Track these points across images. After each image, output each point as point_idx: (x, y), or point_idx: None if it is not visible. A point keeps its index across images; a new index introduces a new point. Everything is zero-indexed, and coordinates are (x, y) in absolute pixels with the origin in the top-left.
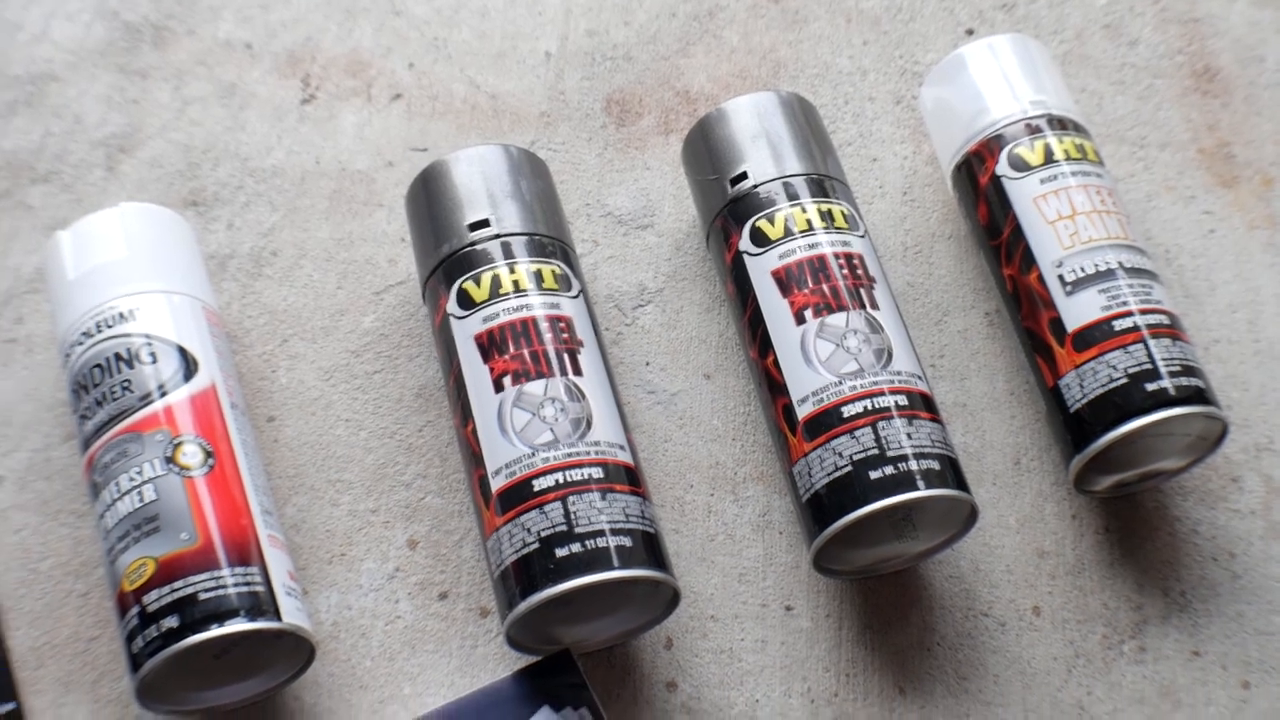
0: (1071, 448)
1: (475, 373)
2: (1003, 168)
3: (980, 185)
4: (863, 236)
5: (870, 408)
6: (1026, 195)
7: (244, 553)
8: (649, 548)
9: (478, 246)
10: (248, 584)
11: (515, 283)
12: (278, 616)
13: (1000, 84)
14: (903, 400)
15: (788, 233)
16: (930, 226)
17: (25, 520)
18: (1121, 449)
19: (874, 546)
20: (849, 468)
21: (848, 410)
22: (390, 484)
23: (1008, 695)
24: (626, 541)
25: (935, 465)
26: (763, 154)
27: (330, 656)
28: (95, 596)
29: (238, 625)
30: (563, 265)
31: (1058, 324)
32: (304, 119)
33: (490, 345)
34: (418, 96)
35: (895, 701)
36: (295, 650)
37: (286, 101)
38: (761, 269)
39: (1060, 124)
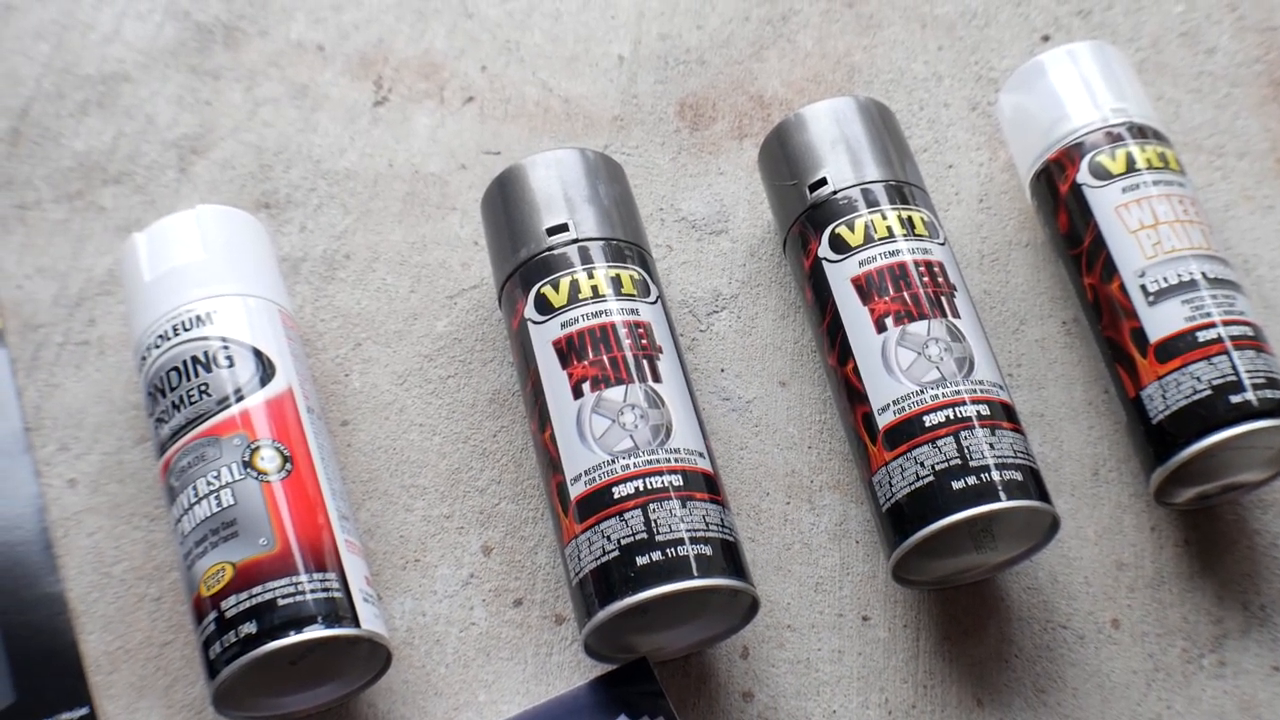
0: (1153, 460)
1: (554, 378)
2: (1084, 176)
3: (1060, 193)
4: (943, 244)
5: (952, 417)
6: (1108, 204)
7: (321, 558)
8: (728, 556)
9: (556, 251)
10: (325, 590)
11: (594, 288)
12: (356, 623)
13: (1080, 91)
14: (985, 410)
15: (868, 239)
16: (1006, 234)
17: (98, 524)
18: (1203, 461)
19: (952, 557)
20: (931, 477)
21: (930, 419)
22: (464, 490)
23: (1086, 709)
24: (706, 550)
25: (1017, 476)
26: (842, 160)
27: (405, 663)
28: (168, 601)
29: (316, 631)
30: (640, 270)
31: (1140, 334)
32: (376, 121)
33: (569, 351)
34: (490, 99)
35: (973, 714)
36: (371, 657)
37: (359, 103)
38: (841, 276)
39: (1141, 132)
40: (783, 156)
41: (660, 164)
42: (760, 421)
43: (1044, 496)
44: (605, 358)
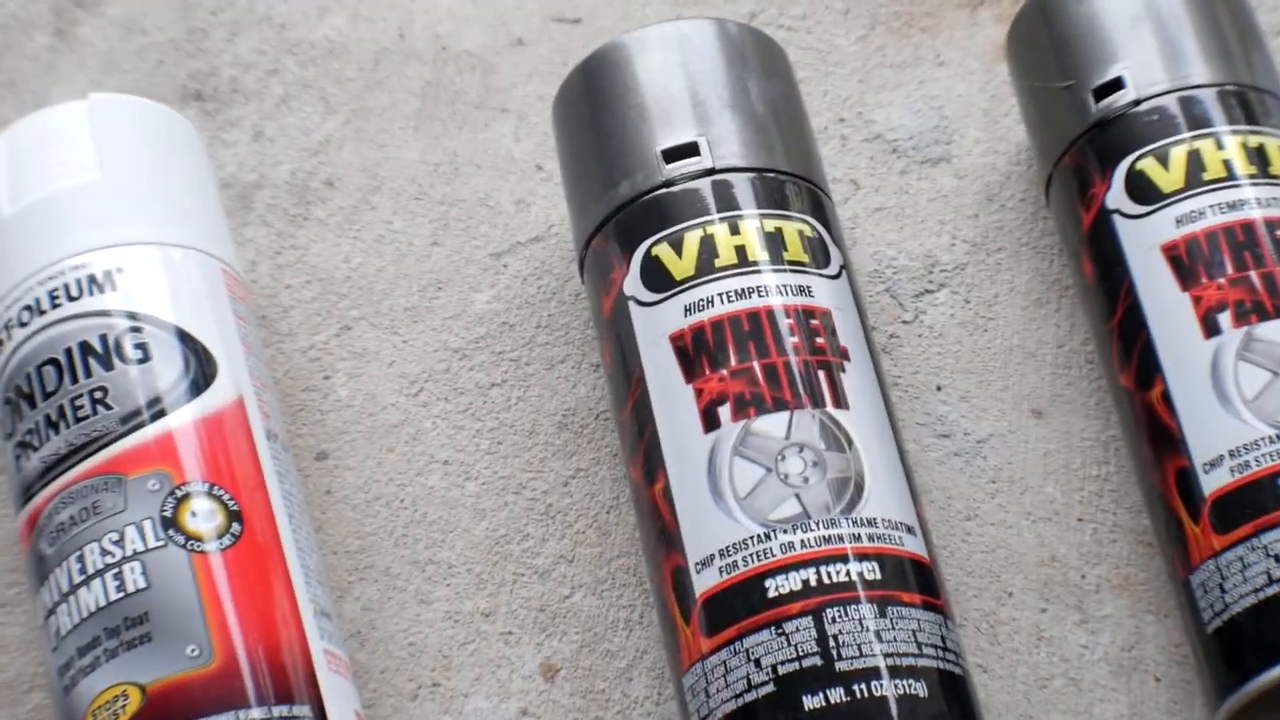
0: None
1: (671, 396)
2: None
3: None
4: None
5: None
6: None
7: (285, 680)
8: (952, 698)
9: (678, 188)
10: None
11: (740, 249)
12: None
13: None
14: None
15: (1192, 182)
16: None
17: None
18: None
19: None
20: None
21: None
22: (516, 570)
23: None
24: (918, 688)
25: None
26: (1149, 48)
27: None
28: None
29: None
30: (816, 224)
31: None
32: None
33: (698, 352)
34: None
35: None
36: None
37: None
38: (1145, 241)
39: None
40: (1048, 40)
41: (843, 45)
42: (1000, 474)
43: None
44: (757, 365)
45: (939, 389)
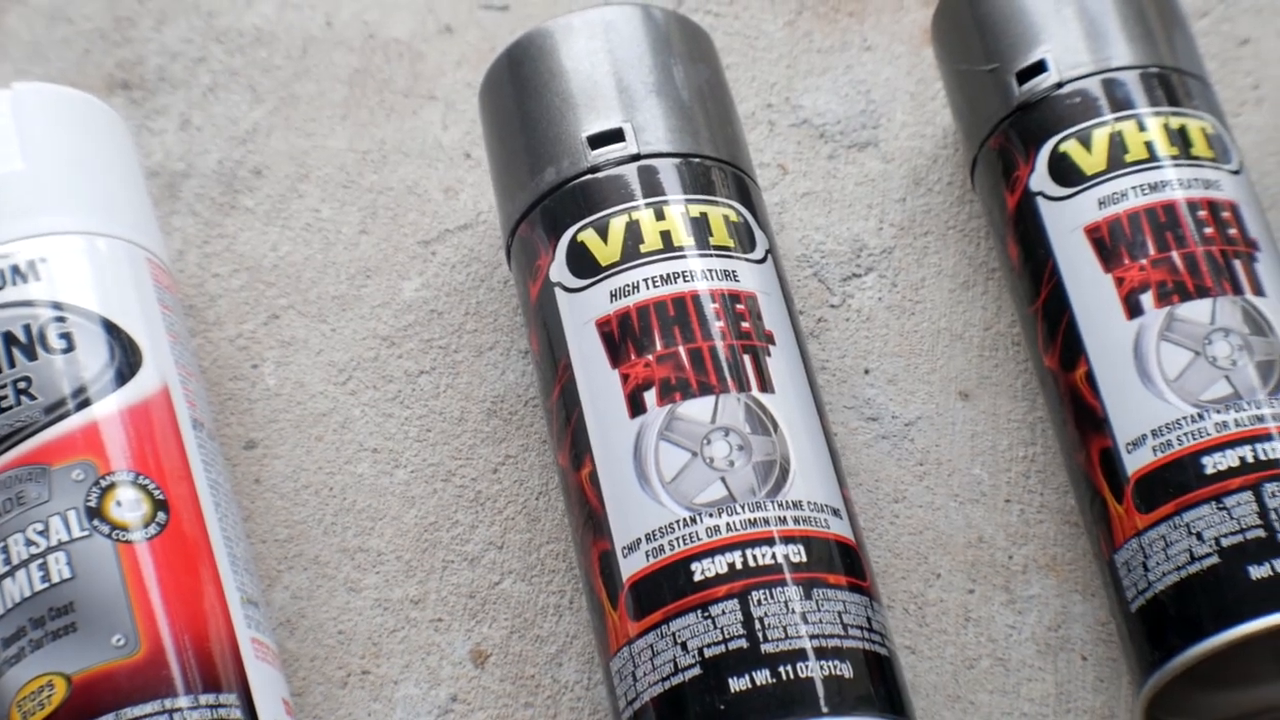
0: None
1: (597, 382)
2: None
3: None
4: (1237, 172)
5: (1252, 459)
6: None
7: (213, 669)
8: (878, 678)
9: (603, 174)
10: None
11: (665, 235)
12: None
13: None
14: None
15: (1114, 164)
16: None
17: None
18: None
19: (1245, 688)
20: (1214, 558)
21: (1213, 462)
22: (445, 557)
23: None
24: (843, 669)
25: None
26: (1072, 31)
27: None
28: None
29: None
30: (742, 208)
31: None
32: None
33: (624, 337)
34: None
35: None
36: None
37: None
38: (1069, 223)
39: None
40: (973, 22)
41: (771, 31)
42: (928, 457)
43: None
44: (683, 350)
45: (867, 372)
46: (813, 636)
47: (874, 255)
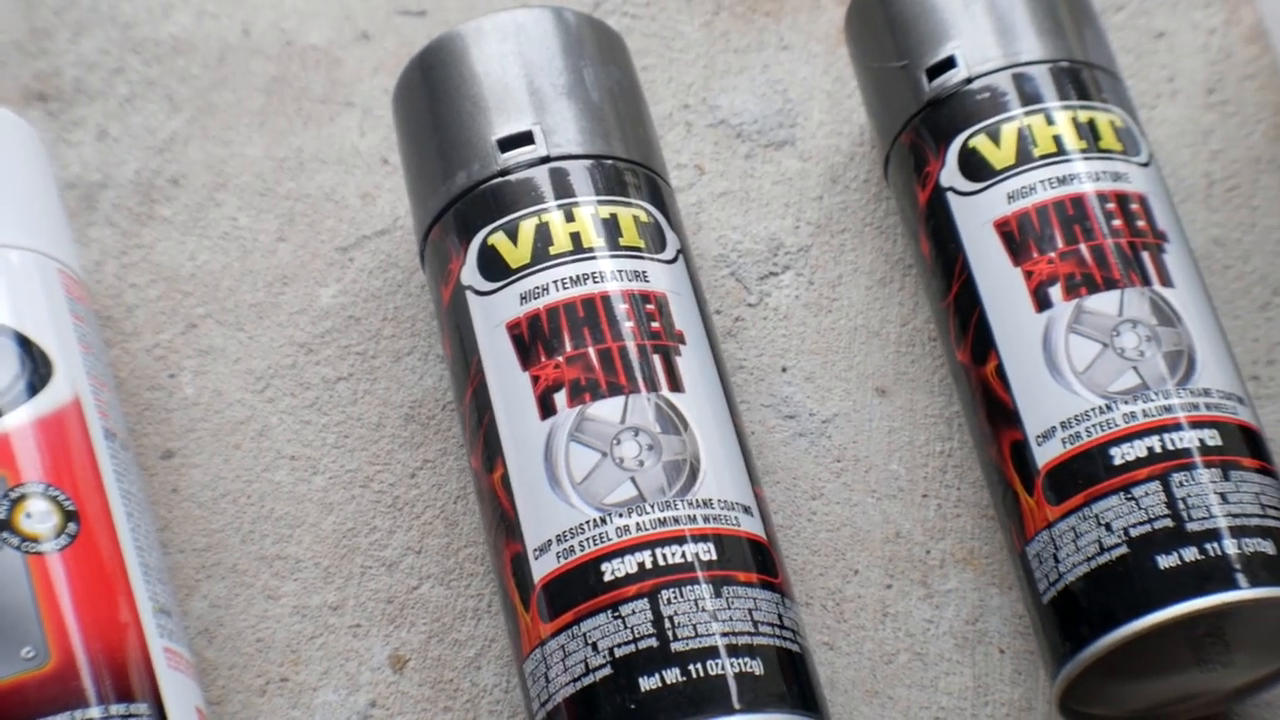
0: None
1: (508, 384)
2: None
3: None
4: (1145, 164)
5: (1160, 449)
6: None
7: (125, 679)
8: (790, 676)
9: (514, 176)
10: None
11: (575, 236)
12: None
13: None
14: (1213, 438)
15: (1023, 158)
16: (1252, 146)
17: None
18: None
19: (1160, 678)
20: (1123, 548)
21: (1122, 453)
22: (363, 563)
23: None
24: (754, 666)
25: (1267, 547)
26: (981, 26)
27: None
28: None
29: None
30: (652, 209)
31: None
32: None
33: (534, 340)
34: None
35: None
36: None
37: None
38: (979, 217)
39: None
40: (884, 21)
41: (687, 32)
42: (845, 454)
43: None
44: (593, 351)
45: (784, 370)
46: (723, 634)
47: (791, 254)
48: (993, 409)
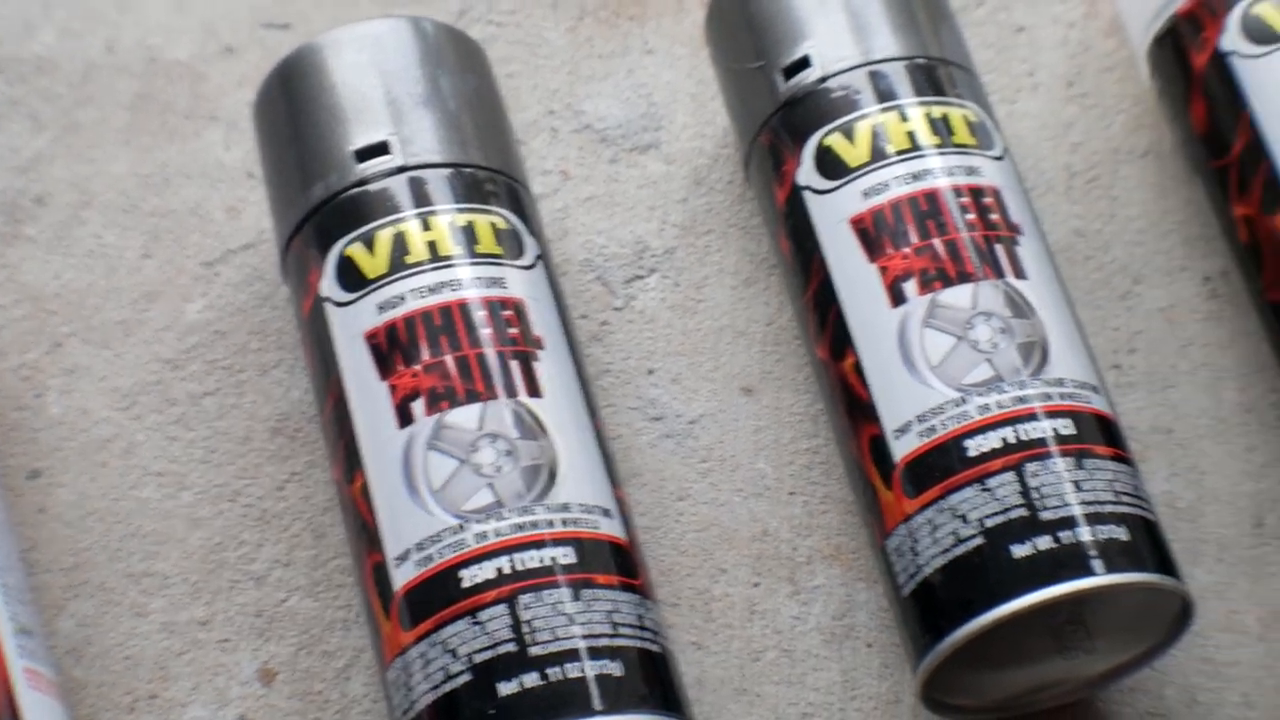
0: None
1: (367, 395)
2: (1232, 39)
3: (1195, 69)
4: (1000, 158)
5: (1014, 440)
6: (1274, 84)
7: None
8: (652, 677)
9: (371, 186)
10: None
11: (432, 245)
12: None
13: None
14: (1067, 427)
15: (877, 155)
16: (1112, 138)
17: None
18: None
19: (1022, 666)
20: (979, 539)
21: (976, 444)
22: (232, 577)
23: None
24: (614, 668)
25: (1121, 533)
26: (835, 23)
27: None
28: None
29: None
30: (510, 215)
31: None
32: None
33: (392, 348)
34: None
35: None
36: None
37: None
38: (835, 215)
39: None
40: (742, 21)
41: (552, 38)
42: (712, 454)
43: (1166, 565)
44: (450, 358)
45: (650, 373)
46: (583, 637)
47: (656, 256)
48: (851, 404)
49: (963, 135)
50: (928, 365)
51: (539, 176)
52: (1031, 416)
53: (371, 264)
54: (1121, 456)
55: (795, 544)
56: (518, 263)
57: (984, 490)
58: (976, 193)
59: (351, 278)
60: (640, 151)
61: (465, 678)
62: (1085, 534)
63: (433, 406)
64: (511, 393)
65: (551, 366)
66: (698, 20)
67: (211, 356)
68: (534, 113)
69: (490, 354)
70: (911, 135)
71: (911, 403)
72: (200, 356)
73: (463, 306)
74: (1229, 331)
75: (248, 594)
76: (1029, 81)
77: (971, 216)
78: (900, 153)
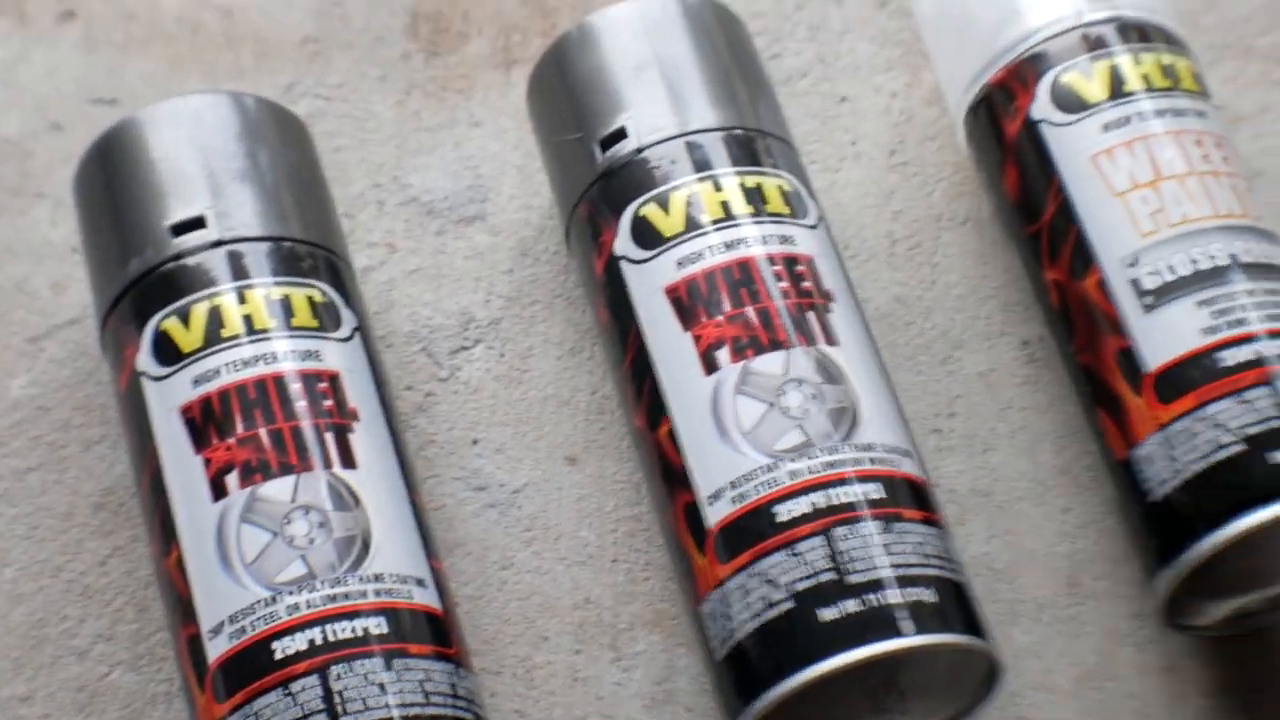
0: (1156, 556)
1: (182, 468)
2: (1042, 107)
3: (1008, 136)
4: (813, 227)
5: (823, 505)
6: (1081, 151)
7: None
8: None
9: (188, 260)
10: None
11: (248, 319)
12: None
13: None
14: (877, 491)
15: (692, 225)
16: (933, 205)
17: None
18: (1239, 559)
19: None
20: (789, 603)
21: (786, 509)
22: (54, 652)
23: None
24: None
25: (929, 595)
26: (653, 95)
27: None
28: None
29: None
30: (327, 288)
31: (1129, 358)
32: None
33: (206, 422)
34: (104, 14)
35: None
36: None
37: None
38: (650, 284)
39: (1139, 33)
40: (562, 92)
41: (380, 112)
42: (535, 523)
43: (974, 627)
44: (264, 432)
45: (475, 443)
46: (397, 706)
47: (482, 327)
48: (667, 472)
49: (776, 204)
50: (740, 432)
51: (365, 249)
52: (842, 481)
53: (187, 338)
54: (932, 520)
55: (617, 611)
56: (334, 335)
57: (793, 555)
58: (790, 261)
59: (167, 352)
60: (466, 223)
61: None
62: (892, 596)
63: (246, 479)
64: (326, 464)
65: (367, 438)
66: (523, 93)
67: (35, 432)
68: (361, 186)
69: (305, 426)
70: (725, 205)
71: (724, 469)
72: (23, 432)
73: (278, 379)
74: (1046, 395)
75: (70, 669)
76: (852, 150)
77: (784, 284)
78: (714, 222)
